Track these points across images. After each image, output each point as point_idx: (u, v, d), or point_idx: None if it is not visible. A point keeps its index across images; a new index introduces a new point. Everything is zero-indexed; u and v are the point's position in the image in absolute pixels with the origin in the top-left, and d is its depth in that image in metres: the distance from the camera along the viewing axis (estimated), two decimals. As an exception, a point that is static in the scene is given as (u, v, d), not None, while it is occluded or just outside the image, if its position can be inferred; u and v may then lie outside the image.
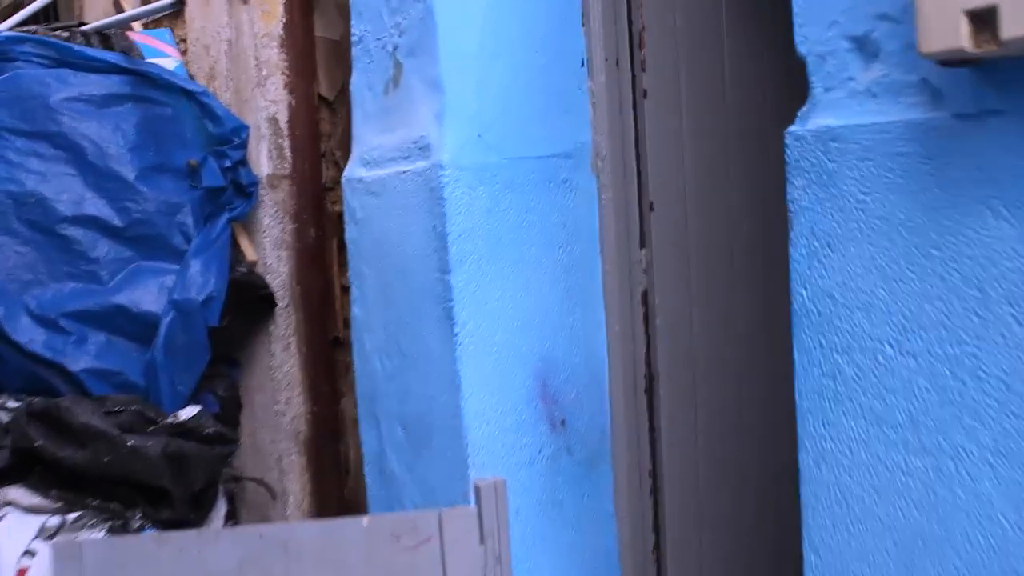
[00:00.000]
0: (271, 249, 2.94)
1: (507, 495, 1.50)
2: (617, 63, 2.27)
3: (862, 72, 1.46)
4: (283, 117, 2.93)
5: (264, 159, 2.92)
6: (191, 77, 3.10)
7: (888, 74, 1.43)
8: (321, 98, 3.00)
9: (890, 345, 1.45)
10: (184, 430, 2.56)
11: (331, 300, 3.05)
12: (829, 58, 1.50)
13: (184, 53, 3.20)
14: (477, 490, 1.49)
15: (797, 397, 1.58)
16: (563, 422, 2.22)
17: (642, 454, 2.35)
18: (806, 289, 1.54)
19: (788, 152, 1.55)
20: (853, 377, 1.50)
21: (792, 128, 1.55)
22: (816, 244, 1.52)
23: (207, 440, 2.60)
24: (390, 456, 2.32)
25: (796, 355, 1.57)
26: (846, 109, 1.48)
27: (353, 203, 2.35)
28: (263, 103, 2.92)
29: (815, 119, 1.52)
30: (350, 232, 2.39)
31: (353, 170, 2.35)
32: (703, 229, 2.39)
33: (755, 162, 2.47)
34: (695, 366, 2.39)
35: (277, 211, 2.93)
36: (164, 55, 3.12)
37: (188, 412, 2.64)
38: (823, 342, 1.53)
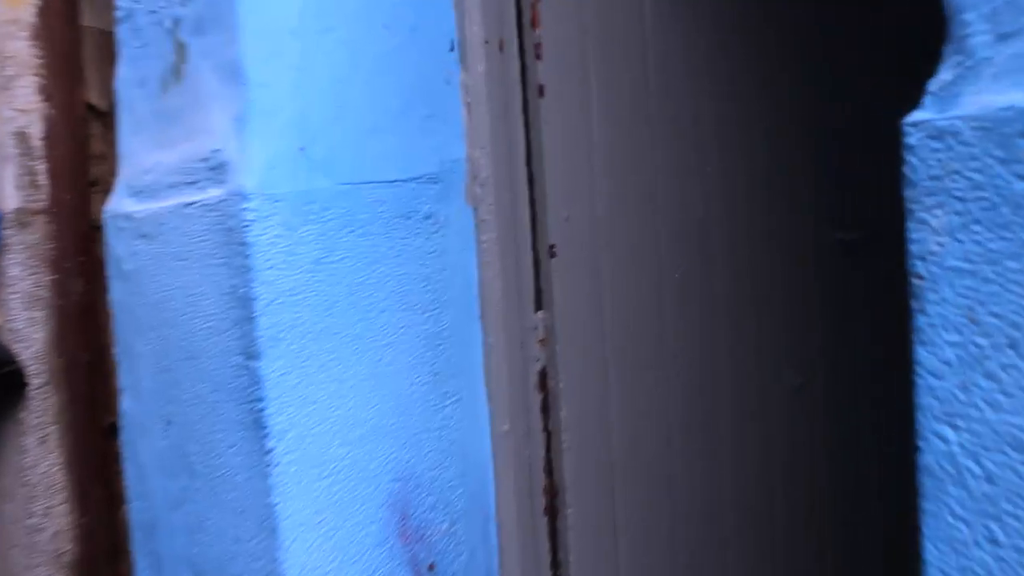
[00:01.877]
0: (20, 309, 2.33)
1: None
2: (501, 47, 1.75)
3: None
4: (37, 132, 2.34)
5: (9, 188, 2.33)
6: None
7: None
8: (91, 108, 2.43)
9: None
10: None
11: (105, 374, 2.46)
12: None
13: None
14: None
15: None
16: (432, 567, 1.69)
17: (543, 601, 1.84)
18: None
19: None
20: None
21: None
22: None
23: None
24: (178, 620, 1.76)
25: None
26: None
27: (119, 249, 1.76)
28: (8, 113, 2.32)
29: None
30: (116, 291, 1.79)
31: (118, 202, 1.75)
32: (623, 279, 1.90)
33: (691, 184, 2.01)
34: (614, 475, 1.89)
35: (29, 257, 2.33)
36: None
37: None
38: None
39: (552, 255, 1.79)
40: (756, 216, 2.12)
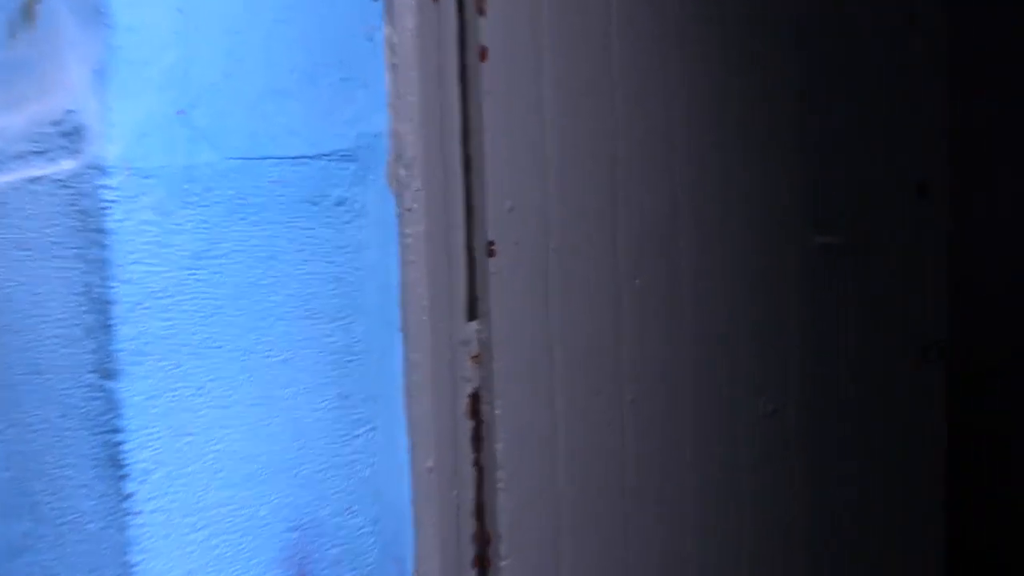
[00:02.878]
0: None
1: None
2: (436, -2, 1.53)
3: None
4: None
5: None
6: None
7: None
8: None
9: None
10: None
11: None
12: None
13: None
14: None
15: None
16: (335, 635, 1.45)
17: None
18: None
19: None
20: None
21: None
22: None
23: None
24: None
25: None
26: None
27: (-52, 234, 1.50)
28: None
29: None
30: (-55, 286, 1.53)
31: (-51, 174, 1.49)
32: (575, 285, 1.66)
33: (657, 176, 1.79)
34: (559, 519, 1.65)
35: None
36: None
37: None
38: None
39: (490, 254, 1.55)
40: (730, 217, 1.90)
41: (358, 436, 1.46)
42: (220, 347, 1.30)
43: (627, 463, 1.76)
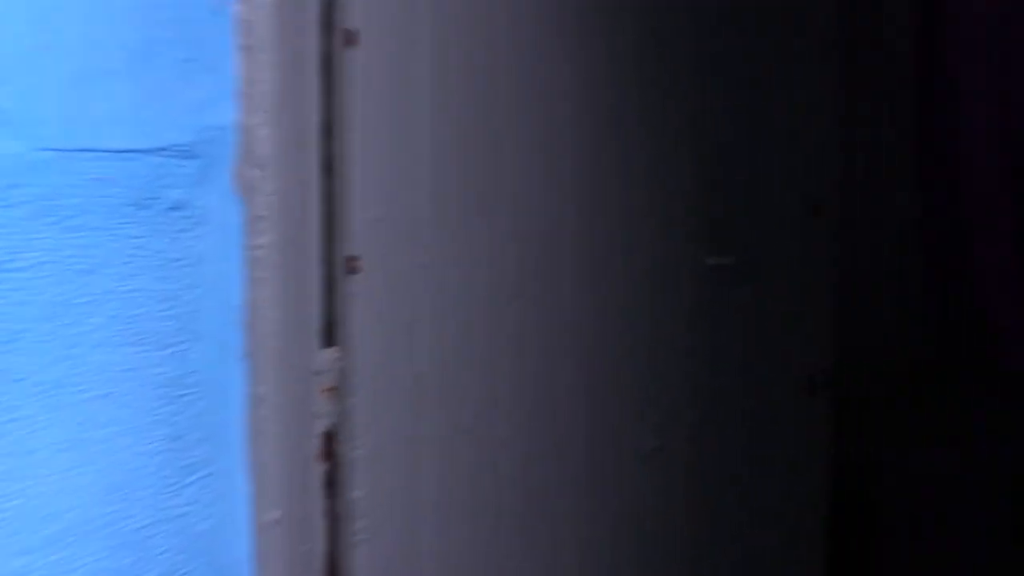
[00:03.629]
0: None
1: None
2: (297, -31, 1.34)
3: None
4: None
5: None
6: None
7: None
8: None
9: None
10: None
11: None
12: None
13: None
14: None
15: None
16: None
17: None
18: None
19: None
20: None
21: None
22: None
23: None
24: None
25: None
26: None
27: None
28: None
29: None
30: None
31: None
32: (448, 308, 1.51)
33: (540, 188, 1.65)
34: (425, 573, 1.50)
35: None
36: None
37: None
38: None
39: (352, 270, 1.38)
40: (617, 235, 1.77)
41: (190, 484, 1.27)
42: (21, 380, 1.10)
43: (503, 508, 1.61)
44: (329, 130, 1.36)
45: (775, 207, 2.16)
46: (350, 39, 1.35)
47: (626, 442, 1.85)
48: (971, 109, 2.91)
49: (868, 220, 3.00)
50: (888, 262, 3.06)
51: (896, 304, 3.06)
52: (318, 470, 1.39)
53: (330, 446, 1.40)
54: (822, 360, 2.31)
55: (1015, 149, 2.86)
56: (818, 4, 2.30)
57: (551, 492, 1.70)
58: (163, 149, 1.23)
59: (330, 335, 1.40)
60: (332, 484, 1.41)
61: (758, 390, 2.14)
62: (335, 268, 1.39)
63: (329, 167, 1.38)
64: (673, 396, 1.95)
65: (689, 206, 1.95)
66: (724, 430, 2.07)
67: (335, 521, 1.40)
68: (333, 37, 1.35)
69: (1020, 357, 2.92)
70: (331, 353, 1.40)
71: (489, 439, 1.58)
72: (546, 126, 1.67)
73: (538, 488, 1.68)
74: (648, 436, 1.89)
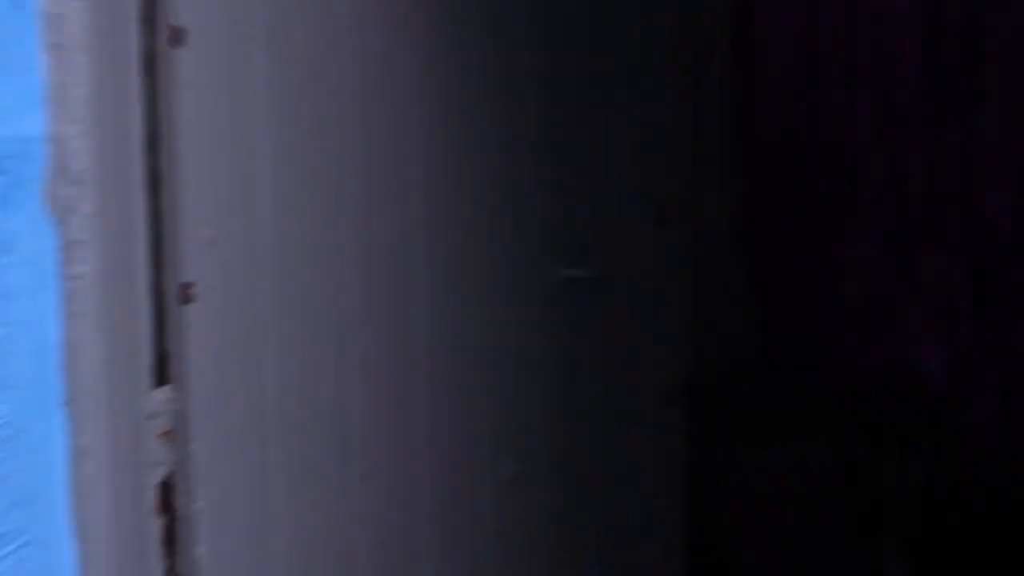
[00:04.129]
0: None
1: None
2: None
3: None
4: None
5: None
6: None
7: None
8: None
9: None
10: None
11: None
12: None
13: None
14: None
15: None
16: None
17: None
18: None
19: None
20: None
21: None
22: None
23: None
24: None
25: None
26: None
27: None
28: None
29: None
30: None
31: None
32: (296, 337, 1.37)
33: (388, 201, 1.52)
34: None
35: None
36: None
37: None
38: None
39: (186, 299, 1.23)
40: (470, 249, 1.67)
41: (3, 557, 1.10)
42: None
43: (360, 553, 1.48)
44: (155, 140, 1.22)
45: (627, 218, 2.10)
46: (177, 37, 1.21)
47: (487, 469, 1.74)
48: (781, 119, 2.95)
49: (708, 227, 2.99)
50: (720, 268, 3.06)
51: (730, 308, 3.06)
52: (155, 526, 1.24)
53: (168, 498, 1.25)
54: (679, 369, 2.26)
55: (828, 153, 2.90)
56: (664, 19, 2.26)
57: (410, 531, 1.58)
58: (-42, 165, 1.05)
59: (163, 373, 1.25)
60: (172, 541, 1.26)
61: (616, 404, 2.08)
62: (166, 297, 1.25)
63: (156, 182, 1.23)
64: (532, 418, 1.86)
65: (542, 219, 1.86)
66: (584, 448, 2.00)
67: (176, 584, 1.25)
68: (157, 35, 1.21)
69: (844, 359, 2.95)
70: (165, 393, 1.25)
71: (342, 481, 1.46)
72: (395, 134, 1.56)
73: (397, 527, 1.56)
74: (509, 461, 1.79)
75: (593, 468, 2.01)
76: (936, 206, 2.66)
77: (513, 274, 1.78)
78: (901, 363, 2.82)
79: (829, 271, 2.98)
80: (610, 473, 2.05)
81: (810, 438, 3.00)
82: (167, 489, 1.26)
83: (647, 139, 2.16)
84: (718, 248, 2.99)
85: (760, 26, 2.98)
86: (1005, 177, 2.48)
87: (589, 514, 2.01)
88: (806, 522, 2.99)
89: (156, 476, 1.25)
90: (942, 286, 2.68)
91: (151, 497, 1.25)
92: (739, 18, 2.98)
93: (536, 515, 1.87)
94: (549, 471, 1.89)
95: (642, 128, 2.15)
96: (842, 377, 2.97)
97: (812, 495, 3.01)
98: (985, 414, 2.62)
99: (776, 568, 2.99)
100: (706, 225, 2.73)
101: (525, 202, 1.82)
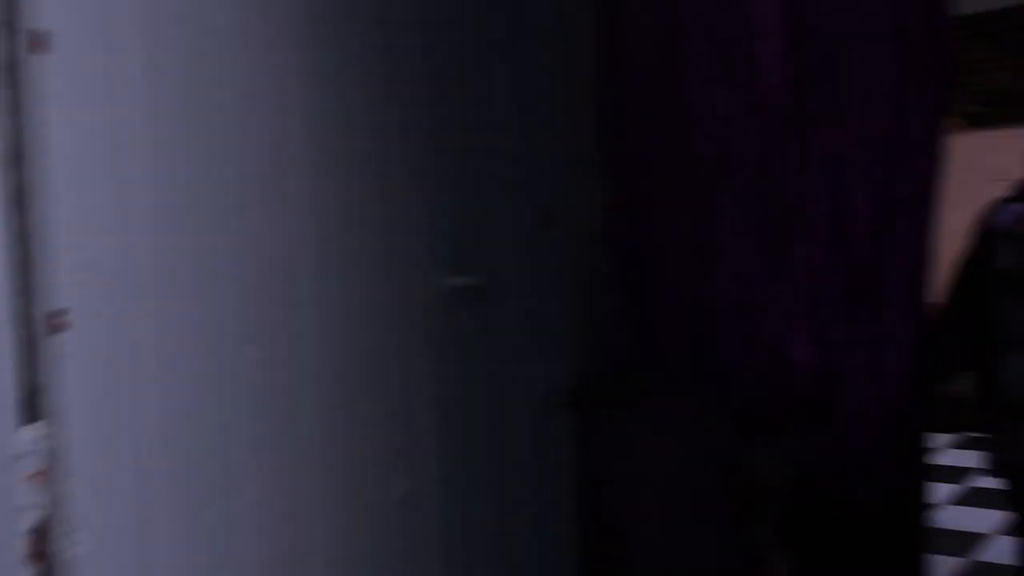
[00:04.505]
0: None
1: None
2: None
3: None
4: None
5: None
6: None
7: None
8: None
9: None
10: None
11: None
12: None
13: None
14: None
15: None
16: None
17: None
18: None
19: None
20: None
21: None
22: None
23: None
24: None
25: None
26: None
27: None
28: None
29: None
30: None
31: None
32: (178, 364, 1.26)
33: (272, 212, 1.42)
34: None
35: None
36: None
37: None
38: None
39: (57, 328, 1.12)
40: (355, 262, 1.58)
41: None
42: None
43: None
44: (18, 155, 1.10)
45: (512, 221, 2.03)
46: (39, 42, 1.09)
47: (379, 488, 1.65)
48: (648, 115, 2.92)
49: (583, 228, 2.95)
50: (596, 269, 3.02)
51: (607, 308, 3.02)
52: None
53: (43, 544, 1.14)
54: (565, 377, 2.20)
55: (695, 148, 2.88)
56: (550, 25, 2.20)
57: (304, 558, 1.49)
58: None
59: (34, 409, 1.13)
60: (47, 591, 1.14)
61: (504, 414, 2.00)
62: (35, 327, 1.12)
63: (20, 201, 1.11)
64: (422, 433, 1.77)
65: (427, 229, 1.77)
66: (474, 461, 1.92)
67: (54, 637, 1.14)
68: (17, 40, 1.08)
69: (717, 353, 2.95)
70: (36, 430, 1.13)
71: (231, 516, 1.35)
72: (275, 145, 1.44)
73: (289, 555, 1.46)
74: (400, 479, 1.71)
75: (483, 476, 1.94)
76: (805, 197, 2.67)
77: (399, 287, 1.69)
78: (773, 354, 2.83)
79: (700, 266, 2.96)
80: (499, 479, 1.98)
81: (687, 433, 2.99)
82: (41, 535, 1.15)
83: (529, 141, 2.09)
84: (592, 250, 2.95)
85: (628, 20, 2.95)
86: (872, 167, 2.50)
87: (480, 522, 1.94)
88: (687, 514, 2.99)
89: (28, 521, 1.14)
90: (812, 277, 2.70)
91: (23, 545, 1.14)
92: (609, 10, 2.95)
93: (429, 529, 1.78)
94: (440, 484, 1.81)
95: (522, 130, 2.08)
96: (716, 370, 2.96)
97: (691, 488, 3.01)
98: (856, 402, 2.64)
99: (660, 559, 2.98)
100: (582, 227, 2.69)
101: (410, 213, 1.72)
